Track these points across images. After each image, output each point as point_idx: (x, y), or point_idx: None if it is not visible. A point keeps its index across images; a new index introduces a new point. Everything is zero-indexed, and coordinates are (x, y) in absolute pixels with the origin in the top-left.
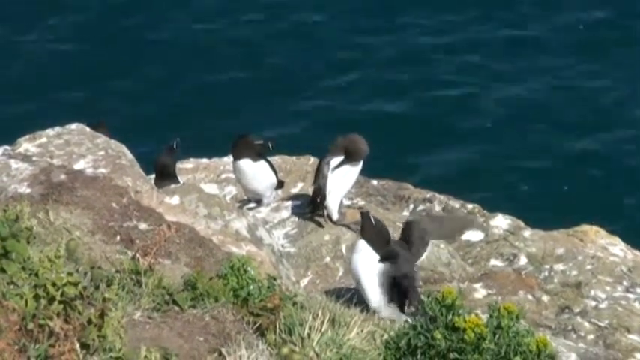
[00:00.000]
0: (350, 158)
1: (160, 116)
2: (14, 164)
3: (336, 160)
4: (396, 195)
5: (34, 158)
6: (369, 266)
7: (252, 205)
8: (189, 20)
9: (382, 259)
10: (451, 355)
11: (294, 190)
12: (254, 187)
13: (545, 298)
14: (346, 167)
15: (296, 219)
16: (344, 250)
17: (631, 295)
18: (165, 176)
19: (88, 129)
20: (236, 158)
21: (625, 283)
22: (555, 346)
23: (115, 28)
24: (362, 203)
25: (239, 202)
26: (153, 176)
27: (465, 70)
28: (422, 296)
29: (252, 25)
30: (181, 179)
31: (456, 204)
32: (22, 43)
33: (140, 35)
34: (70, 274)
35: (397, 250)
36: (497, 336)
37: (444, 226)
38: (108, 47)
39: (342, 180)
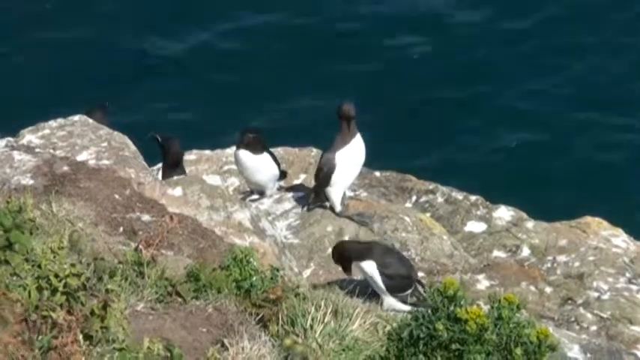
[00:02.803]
0: (342, 126)
1: (163, 106)
2: (17, 155)
3: (340, 154)
4: (399, 186)
5: (37, 150)
6: (370, 269)
7: (255, 196)
8: (192, 11)
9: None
10: (453, 346)
11: (297, 182)
12: (257, 179)
13: (547, 289)
14: (348, 148)
15: (299, 210)
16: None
17: (634, 287)
18: (177, 166)
19: (90, 120)
20: (238, 150)
21: (628, 274)
22: (558, 337)
23: (117, 19)
24: (364, 194)
25: (242, 193)
26: (155, 167)
27: (468, 61)
28: (424, 287)
29: (256, 15)
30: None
31: (458, 195)
32: (25, 34)
33: (145, 23)
34: (72, 265)
35: (373, 246)
36: (498, 327)
37: None
38: (110, 37)
39: (348, 168)
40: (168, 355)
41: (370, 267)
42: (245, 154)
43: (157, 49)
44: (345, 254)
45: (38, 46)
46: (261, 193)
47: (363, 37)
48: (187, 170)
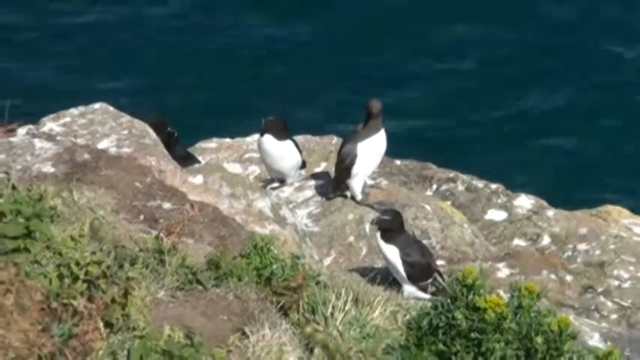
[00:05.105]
0: (367, 120)
1: (184, 96)
2: (38, 143)
3: (362, 145)
4: (420, 175)
5: (57, 137)
6: (393, 256)
7: (275, 184)
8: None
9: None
10: (472, 335)
11: (318, 170)
12: (279, 167)
13: (568, 277)
14: (370, 140)
15: (319, 198)
16: (367, 230)
17: None
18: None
19: (111, 108)
20: (262, 136)
21: None
22: (578, 325)
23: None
24: (385, 183)
25: (262, 181)
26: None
27: (490, 46)
28: (443, 276)
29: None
30: (204, 159)
31: (479, 183)
32: (36, 22)
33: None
34: (93, 253)
35: (401, 235)
36: (518, 316)
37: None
38: (133, 25)
39: (368, 159)
40: (189, 342)
41: (393, 254)
42: (269, 141)
43: (185, 37)
44: (388, 222)
45: (61, 33)
46: (282, 181)
47: (387, 29)
48: (208, 158)
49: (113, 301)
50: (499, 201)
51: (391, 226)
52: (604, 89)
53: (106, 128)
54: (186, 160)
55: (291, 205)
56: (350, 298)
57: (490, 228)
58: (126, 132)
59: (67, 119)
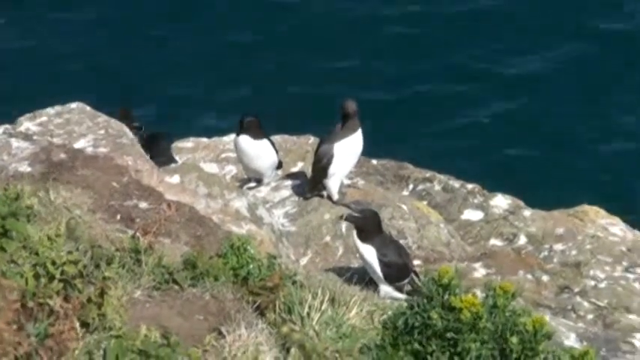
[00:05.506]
0: (344, 121)
1: (161, 95)
2: (15, 143)
3: (339, 145)
4: (396, 174)
5: (34, 137)
6: (370, 256)
7: (252, 184)
8: None
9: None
10: (448, 335)
11: (294, 170)
12: (256, 166)
13: (544, 278)
14: (346, 141)
15: (296, 198)
16: (344, 230)
17: (630, 275)
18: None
19: (88, 107)
20: (238, 136)
21: (624, 263)
22: (555, 326)
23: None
24: (362, 182)
25: (239, 181)
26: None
27: (464, 47)
28: (420, 276)
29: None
30: (181, 158)
31: (455, 183)
32: (25, 19)
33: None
34: (70, 252)
35: (378, 235)
36: (493, 315)
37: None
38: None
39: (344, 160)
40: (165, 342)
41: (370, 253)
42: (245, 140)
43: (158, 36)
44: (364, 221)
45: (37, 31)
46: (259, 181)
47: (361, 28)
48: (185, 158)
49: (89, 300)
50: (475, 201)
51: (368, 226)
52: (577, 91)
53: (83, 128)
54: (167, 159)
55: (267, 205)
56: (326, 298)
57: (466, 228)
58: (102, 132)
59: (44, 119)
